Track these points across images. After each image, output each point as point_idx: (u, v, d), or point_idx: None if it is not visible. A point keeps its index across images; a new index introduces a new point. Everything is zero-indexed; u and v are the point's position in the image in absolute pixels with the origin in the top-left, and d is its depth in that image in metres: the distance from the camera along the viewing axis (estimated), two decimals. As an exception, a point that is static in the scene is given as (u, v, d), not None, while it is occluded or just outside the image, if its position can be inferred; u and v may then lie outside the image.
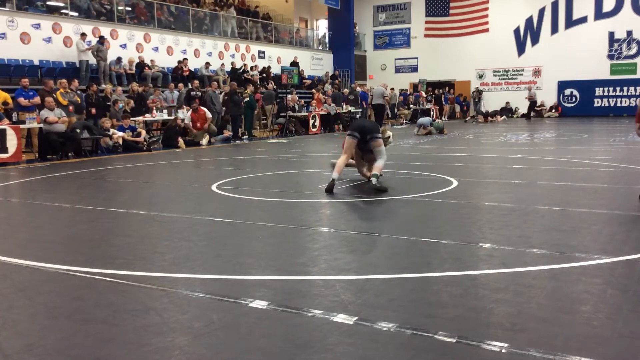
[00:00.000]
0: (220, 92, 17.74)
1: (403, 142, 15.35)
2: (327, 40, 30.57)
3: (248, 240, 4.74)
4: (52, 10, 17.50)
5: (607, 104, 27.07)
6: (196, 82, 17.94)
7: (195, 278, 3.67)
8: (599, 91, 27.11)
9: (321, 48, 30.39)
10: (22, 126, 11.88)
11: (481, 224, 5.18)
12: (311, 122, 19.29)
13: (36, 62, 16.07)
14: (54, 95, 12.65)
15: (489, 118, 25.90)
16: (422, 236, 4.64)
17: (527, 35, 28.53)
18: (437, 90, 28.75)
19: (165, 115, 15.89)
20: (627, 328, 2.76)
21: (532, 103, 26.89)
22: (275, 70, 24.36)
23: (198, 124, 15.31)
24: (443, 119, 28.19)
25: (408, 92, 28.56)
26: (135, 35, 19.30)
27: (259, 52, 25.04)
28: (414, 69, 31.51)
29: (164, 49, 20.34)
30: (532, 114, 26.81)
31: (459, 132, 19.05)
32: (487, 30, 29.21)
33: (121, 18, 19.39)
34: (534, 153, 11.39)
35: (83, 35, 16.59)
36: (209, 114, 15.62)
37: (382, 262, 4.03)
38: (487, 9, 29.20)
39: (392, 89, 25.36)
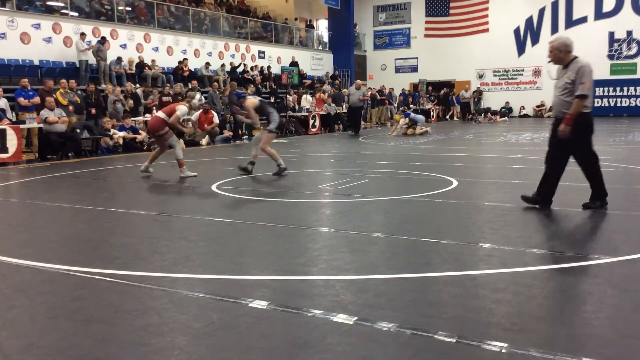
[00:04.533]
0: (221, 93, 17.74)
1: (403, 142, 15.35)
2: (326, 39, 30.55)
3: (248, 240, 4.74)
4: (52, 10, 17.49)
5: (607, 104, 27.06)
6: (194, 82, 17.91)
7: (195, 278, 3.67)
8: (599, 91, 27.08)
9: (321, 48, 30.38)
10: (22, 126, 11.88)
11: (481, 224, 5.18)
12: (311, 122, 19.30)
13: (36, 62, 16.07)
14: (54, 95, 12.66)
15: (490, 116, 26.01)
16: (422, 236, 4.64)
17: (527, 35, 28.52)
18: (442, 91, 28.84)
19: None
20: (627, 328, 2.76)
21: (465, 104, 27.96)
22: (275, 70, 24.36)
23: (205, 125, 15.37)
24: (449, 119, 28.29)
25: (407, 92, 28.56)
26: (135, 35, 19.29)
27: (259, 52, 25.03)
28: (414, 69, 31.50)
29: (164, 49, 20.33)
30: (468, 115, 27.74)
31: (459, 132, 19.05)
32: (487, 30, 29.20)
33: (121, 18, 19.38)
34: (534, 153, 11.38)
35: (83, 35, 16.59)
36: (216, 119, 15.70)
37: (382, 262, 4.03)
38: (487, 9, 29.19)
39: (365, 86, 22.14)
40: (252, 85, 18.72)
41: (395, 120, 18.50)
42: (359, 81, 20.46)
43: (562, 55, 5.45)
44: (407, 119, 18.06)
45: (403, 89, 28.56)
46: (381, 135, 18.37)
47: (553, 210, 5.60)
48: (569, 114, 5.31)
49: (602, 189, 5.59)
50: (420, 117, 18.70)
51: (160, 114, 8.78)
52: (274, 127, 8.66)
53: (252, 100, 8.69)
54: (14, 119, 12.56)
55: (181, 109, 8.72)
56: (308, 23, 29.94)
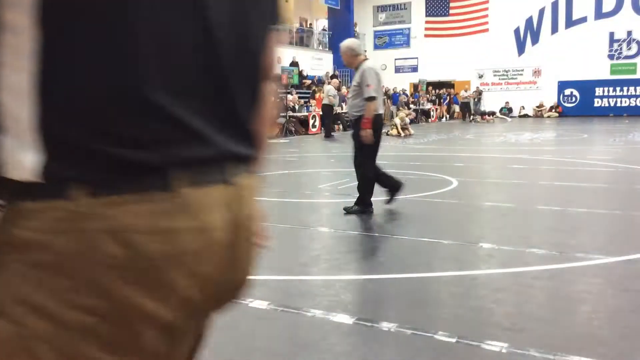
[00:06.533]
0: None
1: (403, 142, 15.36)
2: (326, 39, 30.58)
3: (248, 240, 4.74)
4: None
5: (607, 104, 27.08)
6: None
7: (195, 278, 3.66)
8: (599, 91, 27.12)
9: (321, 48, 30.39)
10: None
11: (481, 224, 5.18)
12: (311, 122, 19.30)
13: (36, 62, 16.06)
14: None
15: (486, 117, 26.05)
16: (422, 236, 4.64)
17: (527, 35, 28.54)
18: (441, 91, 28.84)
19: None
20: (627, 328, 2.76)
21: (464, 104, 27.63)
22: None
23: None
24: (445, 119, 28.24)
25: (408, 92, 28.55)
26: (135, 35, 19.28)
27: (259, 52, 25.01)
28: (414, 69, 31.51)
29: (164, 49, 20.30)
30: (468, 115, 27.21)
31: (459, 132, 19.06)
32: (487, 30, 29.21)
33: (121, 18, 19.37)
34: (534, 153, 11.39)
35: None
36: None
37: (382, 262, 4.03)
38: (487, 9, 29.20)
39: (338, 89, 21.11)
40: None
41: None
42: (336, 80, 20.49)
43: (350, 59, 5.39)
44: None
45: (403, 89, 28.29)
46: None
47: (552, 210, 5.60)
48: (365, 118, 5.23)
49: (366, 198, 5.49)
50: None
51: None
52: None
53: None
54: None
55: None
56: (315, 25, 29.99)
